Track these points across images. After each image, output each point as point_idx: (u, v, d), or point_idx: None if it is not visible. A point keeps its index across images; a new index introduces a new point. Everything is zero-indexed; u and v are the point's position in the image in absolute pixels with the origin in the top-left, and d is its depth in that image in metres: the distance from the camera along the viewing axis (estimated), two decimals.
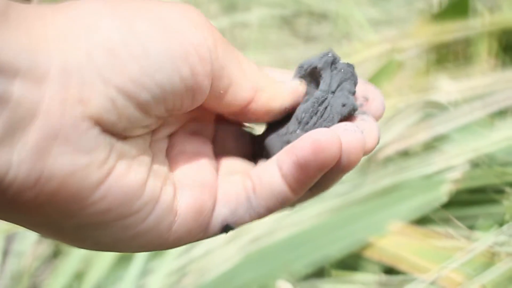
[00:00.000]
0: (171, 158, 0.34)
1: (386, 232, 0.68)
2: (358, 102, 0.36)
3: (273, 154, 0.35)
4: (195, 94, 0.30)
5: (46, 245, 0.80)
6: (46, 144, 0.26)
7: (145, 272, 0.74)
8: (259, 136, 0.38)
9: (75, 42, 0.27)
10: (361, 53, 0.89)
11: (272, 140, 0.37)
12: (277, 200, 0.34)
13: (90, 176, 0.27)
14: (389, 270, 0.68)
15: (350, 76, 0.35)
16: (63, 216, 0.28)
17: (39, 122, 0.26)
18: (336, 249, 0.68)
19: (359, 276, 0.69)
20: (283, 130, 0.36)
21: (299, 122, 0.35)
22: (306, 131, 0.34)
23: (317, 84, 0.35)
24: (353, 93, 0.35)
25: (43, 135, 0.26)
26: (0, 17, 0.25)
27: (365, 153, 0.34)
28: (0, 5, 0.25)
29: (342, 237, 0.69)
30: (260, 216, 0.34)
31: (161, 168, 0.32)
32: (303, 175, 0.33)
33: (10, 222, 0.29)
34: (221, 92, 0.31)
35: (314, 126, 0.34)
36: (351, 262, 0.70)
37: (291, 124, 0.35)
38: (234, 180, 0.35)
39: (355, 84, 0.35)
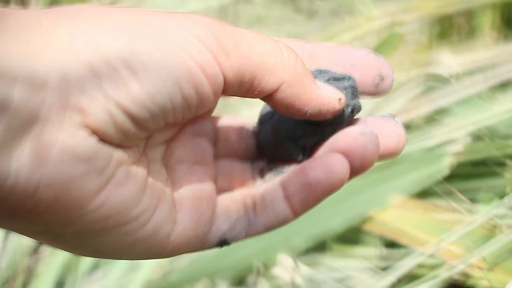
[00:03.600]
0: (169, 167, 0.34)
1: (386, 206, 0.68)
2: (375, 81, 0.35)
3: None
4: (199, 109, 0.30)
5: None
6: (45, 152, 0.26)
7: None
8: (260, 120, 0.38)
9: (76, 54, 0.26)
10: (363, 27, 0.89)
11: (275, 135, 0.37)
12: (276, 221, 0.34)
13: (89, 183, 0.27)
14: (390, 244, 0.68)
15: (350, 82, 0.35)
16: (62, 224, 0.28)
17: (38, 129, 0.25)
18: (337, 223, 0.68)
19: (359, 250, 0.69)
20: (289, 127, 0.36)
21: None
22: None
23: None
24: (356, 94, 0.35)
25: (42, 142, 0.25)
26: (0, 23, 0.25)
27: (395, 154, 0.35)
28: None
29: (342, 211, 0.69)
30: (257, 233, 0.35)
31: (158, 175, 0.32)
32: (311, 196, 0.33)
33: (9, 230, 0.29)
34: (245, 89, 0.31)
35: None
36: (351, 236, 0.70)
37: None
38: (234, 197, 0.35)
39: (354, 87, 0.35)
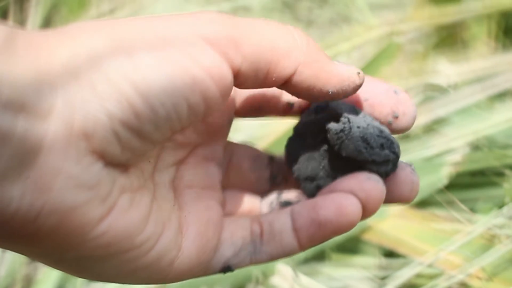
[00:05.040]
0: (178, 191, 0.33)
1: (385, 215, 0.68)
2: (387, 120, 0.35)
3: (299, 169, 0.36)
4: (206, 113, 0.29)
5: None
6: (48, 180, 0.25)
7: None
8: (288, 139, 0.37)
9: (79, 76, 0.26)
10: (361, 36, 0.89)
11: (299, 153, 0.36)
12: (283, 251, 0.34)
13: (91, 211, 0.27)
14: (389, 253, 0.68)
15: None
16: (63, 249, 0.28)
17: (42, 158, 0.25)
18: None
19: (358, 259, 0.69)
20: (310, 143, 0.36)
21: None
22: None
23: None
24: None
25: (46, 171, 0.25)
26: (9, 46, 0.25)
27: (407, 202, 0.35)
28: (8, 34, 0.25)
29: None
30: (261, 262, 0.34)
31: (164, 201, 0.32)
32: (319, 234, 0.33)
33: (10, 251, 0.29)
34: (261, 78, 0.30)
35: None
36: (350, 246, 0.70)
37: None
38: (241, 223, 0.35)
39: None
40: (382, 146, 0.33)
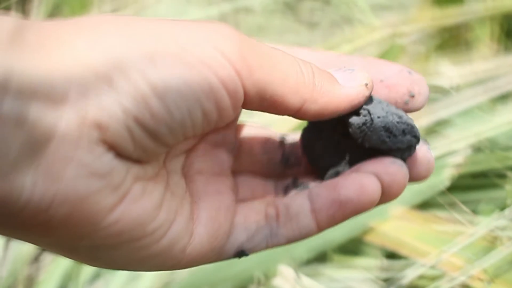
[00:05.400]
0: (188, 177, 0.33)
1: (387, 217, 0.68)
2: (404, 99, 0.35)
3: (317, 159, 0.36)
4: (218, 123, 0.29)
5: None
6: (60, 168, 0.25)
7: None
8: (304, 130, 0.37)
9: (95, 69, 0.26)
10: (363, 38, 0.89)
11: (316, 144, 0.36)
12: (300, 233, 0.34)
13: (104, 200, 0.27)
14: (391, 255, 0.68)
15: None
16: (75, 238, 0.28)
17: (54, 145, 0.25)
18: (338, 234, 0.68)
19: (360, 261, 0.69)
20: (328, 135, 0.36)
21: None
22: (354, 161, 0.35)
23: None
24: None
25: (58, 159, 0.25)
26: (17, 38, 0.25)
27: (423, 180, 0.35)
28: (15, 26, 0.25)
29: (343, 222, 0.69)
30: (278, 245, 0.35)
31: (177, 188, 0.32)
32: (339, 214, 0.33)
33: (22, 241, 0.29)
34: (265, 105, 0.30)
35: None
36: (352, 247, 0.70)
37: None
38: (255, 206, 0.35)
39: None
40: (404, 133, 0.33)
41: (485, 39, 0.87)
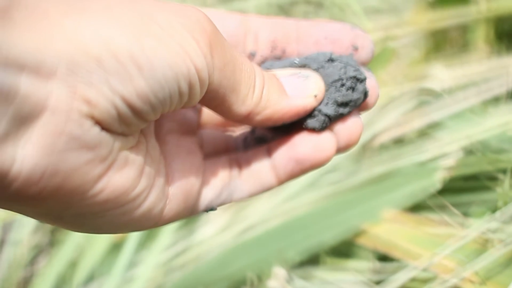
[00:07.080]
0: (160, 138, 0.34)
1: (379, 219, 0.69)
2: (348, 52, 0.36)
3: None
4: (186, 105, 0.31)
5: (42, 234, 0.80)
6: (51, 141, 0.26)
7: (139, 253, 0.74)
8: None
9: (84, 47, 0.26)
10: None
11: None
12: (261, 188, 0.36)
13: (92, 170, 0.28)
14: (383, 257, 0.68)
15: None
16: (63, 208, 0.29)
17: (45, 118, 0.26)
18: (330, 236, 0.69)
19: (352, 263, 0.69)
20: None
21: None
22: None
23: None
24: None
25: (49, 131, 0.26)
26: (4, 15, 0.25)
27: (365, 109, 0.37)
28: (4, 3, 0.25)
29: (336, 224, 0.69)
30: (242, 199, 0.36)
31: (154, 152, 0.33)
32: (297, 169, 0.35)
33: (10, 211, 0.30)
34: (213, 105, 0.32)
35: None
36: (344, 249, 0.70)
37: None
38: (220, 162, 0.36)
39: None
40: (353, 91, 0.35)
41: (477, 42, 0.87)
